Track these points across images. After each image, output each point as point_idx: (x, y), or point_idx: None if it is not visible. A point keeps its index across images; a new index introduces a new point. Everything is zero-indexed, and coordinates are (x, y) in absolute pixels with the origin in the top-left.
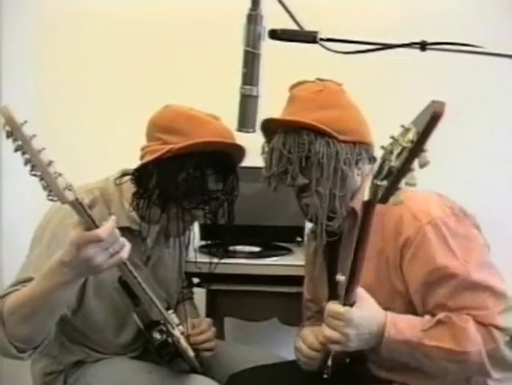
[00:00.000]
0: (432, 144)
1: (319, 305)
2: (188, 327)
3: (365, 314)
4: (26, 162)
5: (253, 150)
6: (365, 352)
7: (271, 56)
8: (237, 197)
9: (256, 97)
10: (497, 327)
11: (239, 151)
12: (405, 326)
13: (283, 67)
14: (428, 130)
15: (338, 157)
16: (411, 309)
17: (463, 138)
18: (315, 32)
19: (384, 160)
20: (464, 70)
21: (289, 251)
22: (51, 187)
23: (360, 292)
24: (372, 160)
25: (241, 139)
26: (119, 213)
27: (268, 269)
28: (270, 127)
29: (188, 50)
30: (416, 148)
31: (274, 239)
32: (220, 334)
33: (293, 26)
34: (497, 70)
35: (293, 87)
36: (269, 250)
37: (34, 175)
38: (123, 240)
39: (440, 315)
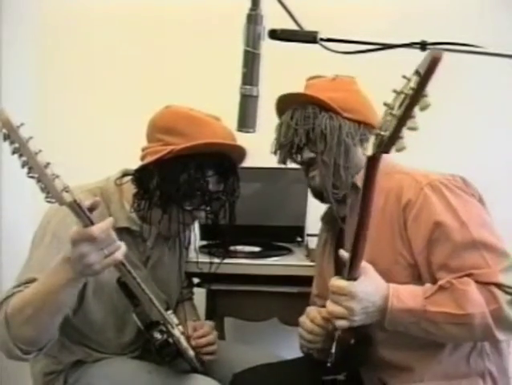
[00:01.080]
0: (434, 141)
1: (325, 300)
2: (190, 330)
3: (368, 287)
4: (24, 164)
5: (254, 150)
6: (371, 333)
7: (271, 56)
8: (238, 198)
9: (256, 97)
10: (498, 285)
11: (240, 152)
12: (408, 296)
13: (283, 67)
14: (427, 74)
15: (341, 130)
16: (412, 272)
17: (463, 136)
18: (315, 32)
19: (386, 114)
20: (464, 69)
21: (289, 251)
22: (49, 189)
23: (364, 265)
24: None
25: (241, 139)
26: (118, 214)
27: (268, 269)
28: (284, 107)
29: (189, 50)
30: (417, 93)
31: (274, 239)
32: (220, 334)
33: (293, 26)
34: (496, 70)
35: (309, 79)
36: (269, 250)
37: (32, 177)
38: (119, 242)
39: (442, 281)
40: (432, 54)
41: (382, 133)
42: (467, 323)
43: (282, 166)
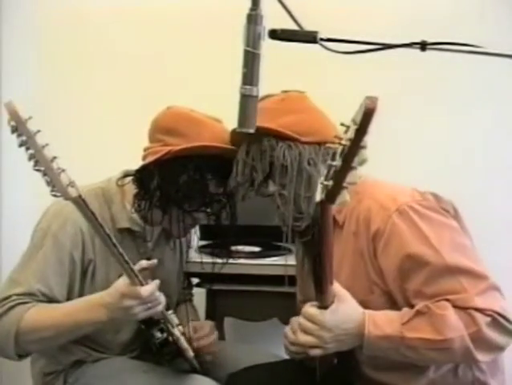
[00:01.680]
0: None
1: None
2: (191, 331)
3: (339, 316)
4: (30, 157)
5: None
6: (354, 352)
7: (271, 56)
8: (238, 200)
9: (256, 97)
10: (477, 309)
11: None
12: (384, 322)
13: (283, 67)
14: (363, 127)
15: (301, 158)
16: (389, 299)
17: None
18: (315, 32)
19: (331, 161)
20: (464, 70)
21: (289, 251)
22: (54, 183)
23: (339, 292)
24: None
25: None
26: (120, 214)
27: (268, 269)
28: (238, 141)
29: (189, 50)
30: (354, 146)
31: (274, 239)
32: (220, 334)
33: (293, 26)
34: (496, 70)
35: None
36: (269, 250)
37: (38, 170)
38: (161, 297)
39: (419, 306)
40: (367, 104)
41: (325, 183)
42: (446, 348)
43: None
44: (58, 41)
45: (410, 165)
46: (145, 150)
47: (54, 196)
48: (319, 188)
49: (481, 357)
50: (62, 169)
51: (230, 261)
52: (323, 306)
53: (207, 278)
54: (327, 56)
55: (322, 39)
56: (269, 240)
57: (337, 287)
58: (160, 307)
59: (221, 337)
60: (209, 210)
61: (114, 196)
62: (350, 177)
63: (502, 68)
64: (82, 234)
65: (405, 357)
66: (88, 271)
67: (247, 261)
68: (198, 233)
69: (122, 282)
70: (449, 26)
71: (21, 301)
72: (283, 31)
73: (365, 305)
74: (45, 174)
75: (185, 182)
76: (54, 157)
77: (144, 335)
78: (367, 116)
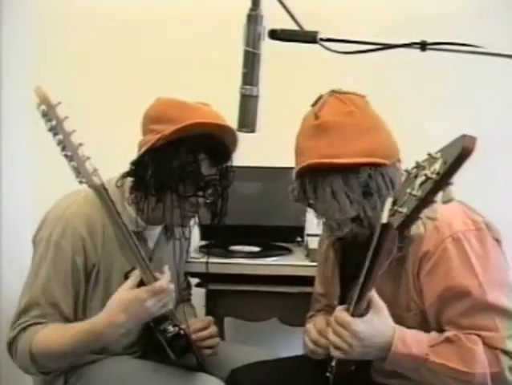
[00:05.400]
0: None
1: (330, 300)
2: (188, 322)
3: (373, 329)
4: (58, 143)
5: (254, 150)
6: (371, 361)
7: (271, 56)
8: (231, 183)
9: (256, 97)
10: (504, 352)
11: (230, 134)
12: (412, 341)
13: (283, 67)
14: (456, 164)
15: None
16: (424, 319)
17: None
18: (315, 32)
19: (405, 186)
20: (464, 70)
21: (289, 251)
22: (80, 169)
23: (377, 303)
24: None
25: (241, 139)
26: (123, 216)
27: (268, 269)
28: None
29: (188, 50)
30: (442, 181)
31: (274, 239)
32: (220, 334)
33: (293, 26)
34: (496, 71)
35: (316, 107)
36: (269, 250)
37: (65, 155)
38: (173, 294)
39: (449, 333)
40: (465, 143)
41: (399, 209)
42: (467, 380)
43: (283, 166)
44: (57, 41)
45: (409, 165)
46: (139, 144)
47: (80, 182)
48: (387, 210)
49: None
50: (87, 157)
51: (230, 261)
52: (358, 314)
53: (207, 278)
54: (327, 56)
55: (322, 39)
56: (269, 240)
57: (374, 297)
58: (171, 305)
59: (221, 337)
60: (202, 194)
61: (114, 198)
62: (430, 211)
63: (502, 68)
64: (83, 241)
65: (423, 378)
66: (92, 276)
67: (247, 261)
68: (198, 233)
69: (132, 277)
70: (448, 26)
71: (31, 322)
72: (283, 31)
73: (402, 321)
74: (71, 160)
75: (178, 165)
76: (80, 144)
77: (151, 333)
78: (463, 156)
